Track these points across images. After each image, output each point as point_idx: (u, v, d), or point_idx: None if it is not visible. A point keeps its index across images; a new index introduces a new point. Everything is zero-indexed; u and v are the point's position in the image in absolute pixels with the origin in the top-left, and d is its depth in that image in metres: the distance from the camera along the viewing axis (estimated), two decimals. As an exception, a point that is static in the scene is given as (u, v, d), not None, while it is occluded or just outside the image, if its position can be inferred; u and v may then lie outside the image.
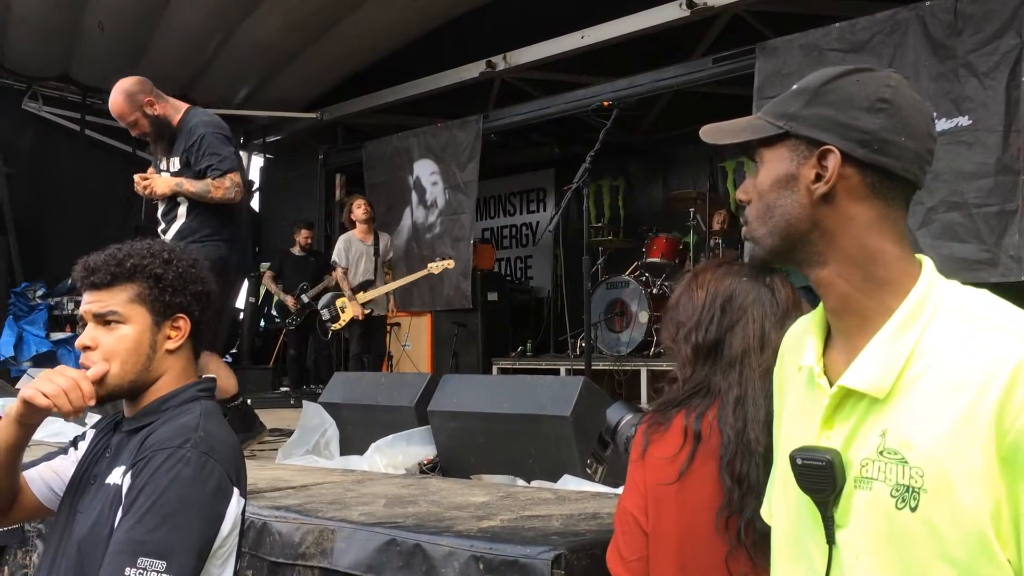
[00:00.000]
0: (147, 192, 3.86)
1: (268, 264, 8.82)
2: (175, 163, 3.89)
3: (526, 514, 2.33)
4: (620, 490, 2.73)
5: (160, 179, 3.86)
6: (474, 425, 3.30)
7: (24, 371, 6.46)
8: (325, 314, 7.04)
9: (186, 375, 1.59)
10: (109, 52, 8.72)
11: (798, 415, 1.12)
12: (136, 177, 3.93)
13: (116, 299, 1.55)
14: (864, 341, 1.03)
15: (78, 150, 9.25)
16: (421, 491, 2.80)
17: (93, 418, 4.63)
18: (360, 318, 6.73)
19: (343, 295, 6.83)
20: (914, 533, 0.95)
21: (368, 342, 6.91)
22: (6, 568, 3.40)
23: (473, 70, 7.93)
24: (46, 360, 7.70)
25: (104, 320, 1.54)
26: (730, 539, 1.43)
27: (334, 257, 6.94)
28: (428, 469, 3.41)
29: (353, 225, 7.06)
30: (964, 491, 0.92)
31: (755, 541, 1.40)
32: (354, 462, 3.56)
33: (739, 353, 1.53)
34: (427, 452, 3.45)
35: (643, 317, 7.06)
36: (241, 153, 11.04)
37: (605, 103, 5.09)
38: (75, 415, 1.46)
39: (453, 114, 8.29)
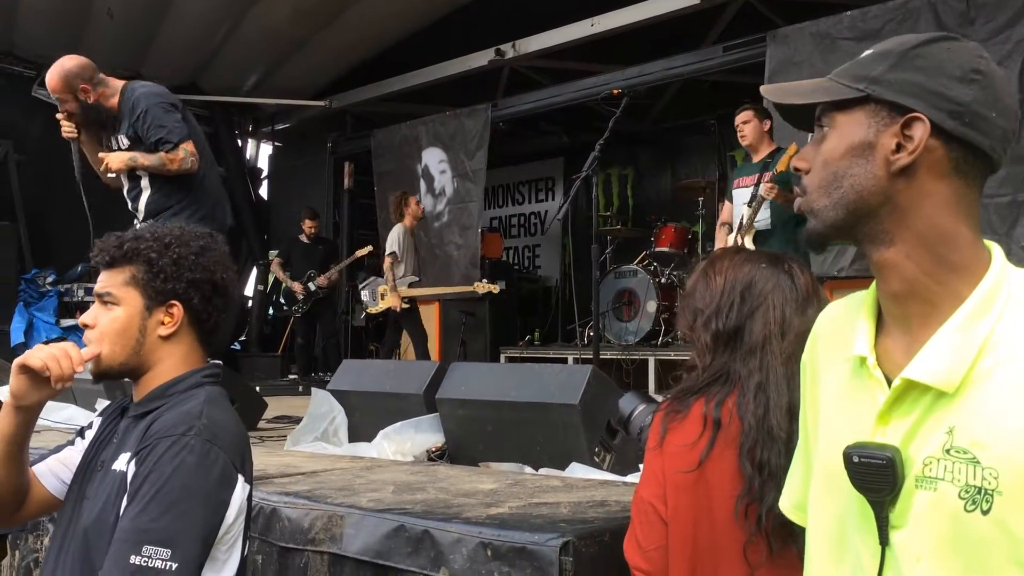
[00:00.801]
0: (103, 169, 3.86)
1: (276, 252, 8.84)
2: (123, 140, 3.86)
3: (534, 501, 2.34)
4: (628, 478, 2.74)
5: (113, 155, 3.80)
6: (482, 413, 3.31)
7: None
8: (364, 294, 7.12)
9: (189, 362, 1.58)
10: (118, 39, 8.72)
11: (843, 408, 1.04)
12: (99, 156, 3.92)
13: (114, 280, 1.57)
14: (928, 331, 0.96)
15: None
16: (429, 478, 2.80)
17: (102, 403, 4.64)
18: (397, 310, 6.78)
19: (385, 283, 6.89)
20: (986, 537, 0.89)
21: (398, 334, 6.95)
22: (17, 552, 3.43)
23: (482, 58, 7.91)
24: (56, 346, 7.75)
25: (103, 300, 1.56)
26: (749, 527, 1.42)
27: (390, 246, 6.95)
28: (436, 456, 3.42)
29: (401, 218, 7.06)
30: None
31: (774, 529, 1.40)
32: (362, 449, 3.57)
33: (760, 340, 1.51)
34: (435, 439, 3.46)
35: (651, 306, 7.06)
36: (249, 141, 11.11)
37: (615, 91, 5.07)
38: (65, 382, 1.48)
39: (462, 102, 8.28)
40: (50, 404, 5.22)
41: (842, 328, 1.08)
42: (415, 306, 6.96)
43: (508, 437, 3.23)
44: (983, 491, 0.89)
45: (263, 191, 11.21)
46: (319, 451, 3.65)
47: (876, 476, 0.94)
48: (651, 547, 1.53)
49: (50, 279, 8.34)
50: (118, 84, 3.93)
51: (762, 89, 1.10)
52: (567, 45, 7.35)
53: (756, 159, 5.07)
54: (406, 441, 3.45)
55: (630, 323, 7.18)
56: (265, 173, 11.29)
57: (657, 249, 7.48)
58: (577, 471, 2.94)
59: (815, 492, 1.09)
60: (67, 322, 7.98)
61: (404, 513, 2.16)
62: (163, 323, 1.56)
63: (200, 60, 9.40)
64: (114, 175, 3.87)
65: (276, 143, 11.22)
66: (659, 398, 1.88)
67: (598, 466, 2.97)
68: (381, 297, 6.98)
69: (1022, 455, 0.87)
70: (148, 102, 3.73)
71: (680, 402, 1.55)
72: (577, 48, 7.37)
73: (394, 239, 6.94)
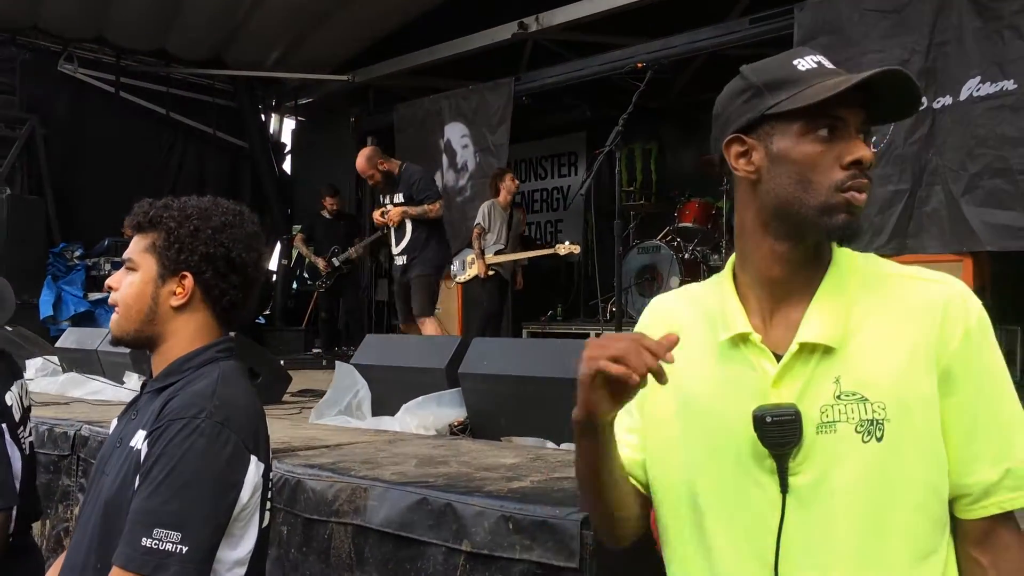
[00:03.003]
0: (388, 220, 6.05)
1: (299, 227, 8.87)
2: (399, 198, 6.04)
3: (556, 476, 2.35)
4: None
5: (394, 210, 6.00)
6: (504, 388, 3.32)
7: (63, 330, 6.59)
8: (455, 264, 7.22)
9: (203, 336, 1.58)
10: (142, 14, 8.75)
11: (721, 385, 1.16)
12: (375, 214, 6.26)
13: (137, 246, 1.58)
14: (799, 305, 1.14)
15: (113, 111, 9.34)
16: (452, 452, 2.82)
17: (130, 376, 4.67)
18: (483, 276, 6.84)
19: (473, 252, 6.97)
20: (883, 461, 1.07)
21: (496, 300, 7.01)
22: (48, 522, 3.50)
23: (505, 32, 7.85)
24: (84, 319, 7.85)
25: (126, 265, 1.59)
26: None
27: (478, 219, 7.00)
28: (459, 430, 3.44)
29: (497, 193, 7.09)
30: (919, 414, 1.07)
31: None
32: (386, 422, 3.60)
33: None
34: (457, 414, 3.48)
35: (674, 282, 7.03)
36: (272, 115, 11.15)
37: (639, 64, 5.03)
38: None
39: (485, 76, 8.23)
40: (76, 377, 5.28)
41: (704, 311, 1.22)
42: (500, 275, 7.01)
43: (530, 412, 3.25)
44: (875, 422, 1.07)
45: (286, 166, 11.25)
46: (343, 424, 3.68)
47: (785, 431, 1.08)
48: None
49: (78, 253, 8.44)
50: (396, 162, 6.26)
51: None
52: (591, 18, 7.27)
53: None
54: (428, 415, 3.48)
55: (653, 298, 7.16)
56: (288, 148, 11.32)
57: (680, 224, 7.43)
58: (599, 446, 2.95)
59: (682, 458, 1.19)
60: (95, 295, 8.08)
61: (427, 486, 2.18)
62: (175, 293, 1.56)
63: (224, 35, 9.41)
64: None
65: (299, 118, 11.23)
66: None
67: (620, 441, 2.98)
68: (470, 265, 7.07)
69: (899, 386, 1.08)
70: (421, 175, 6.18)
71: None
72: (601, 21, 7.29)
73: (483, 212, 7.02)
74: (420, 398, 3.53)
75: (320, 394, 4.34)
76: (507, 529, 1.92)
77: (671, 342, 1.05)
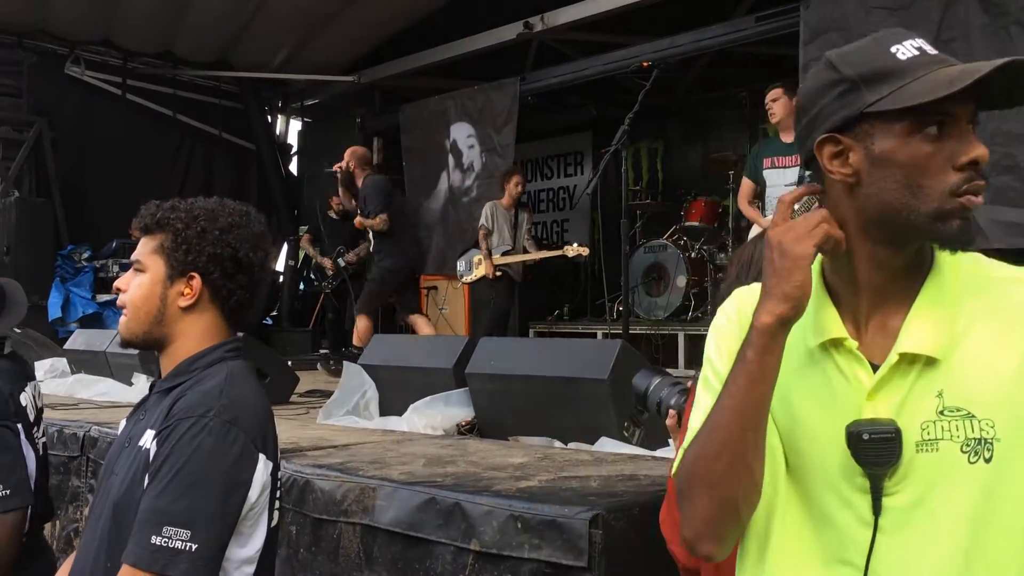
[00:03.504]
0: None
1: (305, 228, 8.88)
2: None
3: (564, 475, 2.35)
4: (658, 453, 2.74)
5: (357, 219, 6.65)
6: (512, 387, 3.32)
7: (72, 332, 6.61)
8: (461, 265, 7.26)
9: (211, 336, 1.59)
10: (149, 16, 8.77)
11: (809, 390, 1.07)
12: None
13: (145, 248, 1.59)
14: (899, 310, 1.04)
15: (120, 114, 9.37)
16: (460, 452, 2.83)
17: (139, 377, 4.68)
18: (491, 276, 6.87)
19: (480, 253, 7.00)
20: (991, 485, 0.97)
21: (505, 300, 7.04)
22: (58, 522, 3.51)
23: (510, 31, 7.85)
24: (93, 321, 7.88)
25: (134, 266, 1.60)
26: None
27: (481, 220, 7.05)
28: (466, 430, 3.45)
29: (503, 194, 7.14)
30: None
31: None
32: (393, 422, 3.61)
33: None
34: (465, 413, 3.48)
35: (681, 281, 7.02)
36: (279, 117, 11.16)
37: (644, 64, 5.02)
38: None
39: (490, 76, 8.23)
40: (85, 378, 5.30)
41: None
42: (509, 276, 7.02)
43: (537, 411, 3.25)
44: (983, 441, 0.97)
45: (293, 167, 11.27)
46: (351, 424, 3.69)
47: (883, 449, 0.99)
48: None
49: (86, 255, 8.47)
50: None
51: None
52: (596, 17, 7.27)
53: (787, 138, 4.91)
54: (436, 415, 3.48)
55: (660, 298, 7.15)
56: (295, 149, 11.34)
57: (687, 223, 7.42)
58: (606, 445, 2.95)
59: (775, 480, 1.09)
60: (103, 297, 8.11)
61: (435, 486, 2.19)
62: (183, 294, 1.57)
63: (230, 36, 9.43)
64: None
65: (306, 119, 11.25)
66: (672, 372, 1.90)
67: (627, 441, 2.98)
68: (476, 266, 7.09)
69: (1010, 401, 0.97)
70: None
71: None
72: (606, 20, 7.29)
73: (486, 214, 7.06)
74: (428, 398, 3.53)
75: (328, 394, 4.35)
76: (516, 528, 1.92)
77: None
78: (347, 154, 6.72)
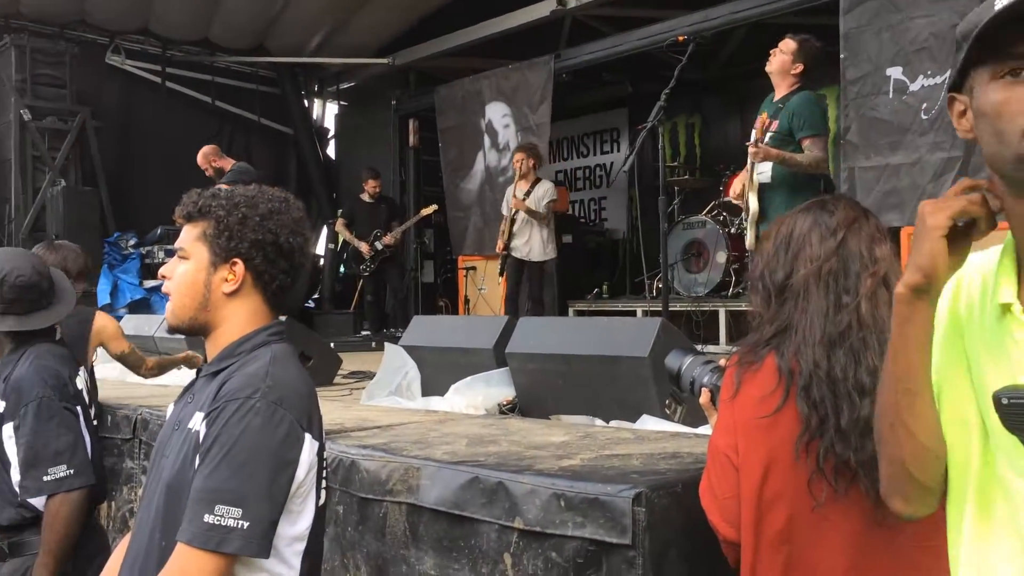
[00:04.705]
0: None
1: (340, 211, 8.95)
2: None
3: (606, 453, 2.36)
4: (700, 430, 2.74)
5: None
6: (552, 366, 3.33)
7: (120, 317, 6.75)
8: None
9: (255, 320, 1.62)
10: (186, 4, 8.87)
11: (990, 357, 1.05)
12: None
13: (188, 235, 1.63)
14: None
15: (160, 101, 9.51)
16: (501, 431, 2.85)
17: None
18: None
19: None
20: None
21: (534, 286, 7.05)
22: (113, 503, 3.61)
23: (543, 8, 7.80)
24: (141, 307, 8.04)
25: (178, 254, 1.63)
26: (810, 465, 1.45)
27: (502, 207, 7.20)
28: (507, 410, 3.47)
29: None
30: None
31: (834, 467, 1.44)
32: (435, 403, 3.64)
33: (802, 282, 1.55)
34: (506, 393, 3.50)
35: (721, 257, 6.96)
36: (315, 101, 11.23)
37: (680, 38, 4.94)
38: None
39: (524, 55, 8.19)
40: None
41: (984, 278, 1.10)
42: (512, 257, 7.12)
43: (578, 390, 3.26)
44: None
45: (330, 150, 11.35)
46: (394, 405, 3.73)
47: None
48: (725, 495, 1.56)
49: (132, 242, 8.62)
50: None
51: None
52: (631, -8, 7.21)
53: (777, 96, 4.57)
54: (477, 395, 3.51)
55: (700, 274, 7.10)
56: (332, 132, 11.42)
57: (726, 199, 7.35)
58: (648, 423, 2.95)
59: (961, 439, 1.09)
60: (150, 283, 8.26)
61: (478, 465, 2.21)
62: (227, 280, 1.60)
63: (265, 22, 9.50)
64: None
65: (341, 102, 11.31)
66: (714, 349, 1.92)
67: (669, 418, 2.98)
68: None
69: None
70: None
71: (753, 353, 1.56)
72: (640, -6, 7.23)
73: (504, 200, 7.20)
74: (469, 378, 3.56)
75: (370, 375, 4.40)
76: (559, 506, 1.94)
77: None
78: (200, 159, 6.83)
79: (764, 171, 4.40)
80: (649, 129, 4.61)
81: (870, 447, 1.29)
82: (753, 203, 4.38)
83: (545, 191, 6.95)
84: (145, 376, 3.85)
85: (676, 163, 9.13)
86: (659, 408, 2.98)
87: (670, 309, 5.34)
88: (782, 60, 4.50)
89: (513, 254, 7.01)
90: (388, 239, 8.13)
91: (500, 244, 6.97)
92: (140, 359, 3.79)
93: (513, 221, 6.99)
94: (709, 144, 9.51)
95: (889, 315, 1.11)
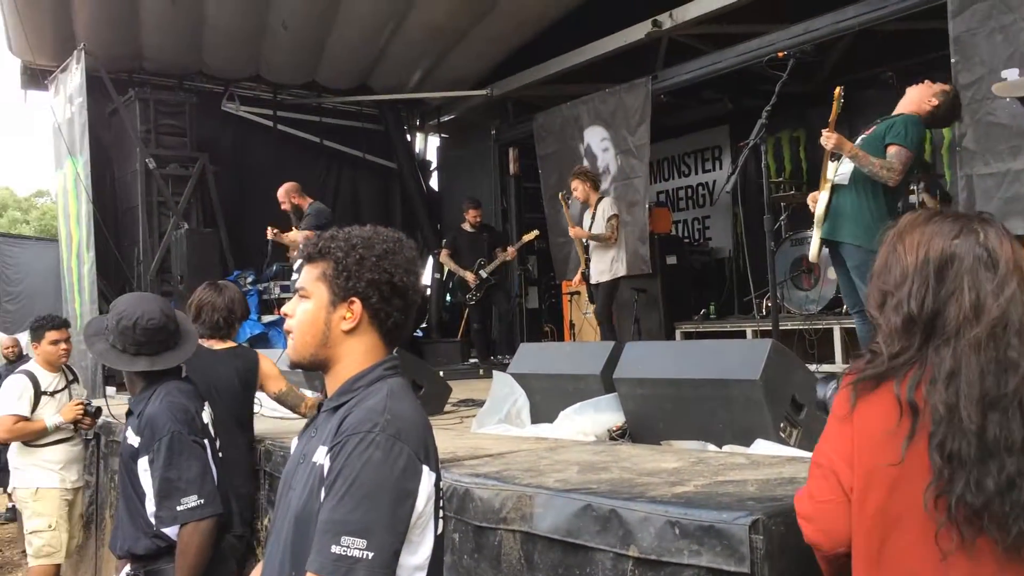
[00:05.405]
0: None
1: (444, 242, 9.12)
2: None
3: (720, 479, 2.32)
4: (817, 454, 2.66)
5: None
6: (661, 391, 3.30)
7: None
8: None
9: (371, 356, 1.67)
10: (292, 50, 9.29)
11: None
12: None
13: (309, 275, 1.70)
14: None
15: (272, 144, 9.97)
16: (612, 458, 2.84)
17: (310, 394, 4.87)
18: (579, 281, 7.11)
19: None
20: None
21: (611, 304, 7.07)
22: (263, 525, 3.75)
23: (639, 31, 7.80)
24: (259, 341, 8.37)
25: (299, 293, 1.70)
26: (939, 517, 1.36)
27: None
28: (617, 436, 3.45)
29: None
30: None
31: (965, 518, 1.34)
32: (545, 430, 3.65)
33: (954, 326, 1.39)
34: (615, 419, 3.49)
35: (833, 273, 6.74)
36: (417, 134, 11.53)
37: (780, 54, 4.85)
38: None
39: (621, 78, 8.20)
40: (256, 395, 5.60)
41: None
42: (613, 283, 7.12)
43: (689, 415, 3.21)
44: None
45: (433, 182, 11.61)
46: (504, 432, 3.77)
47: None
48: (823, 499, 1.49)
49: (250, 279, 9.00)
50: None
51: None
52: (726, 9, 7.10)
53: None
54: (587, 421, 3.50)
55: (811, 291, 6.90)
56: (434, 165, 11.68)
57: (834, 212, 7.12)
58: (762, 447, 2.88)
59: None
60: (267, 318, 8.59)
61: (590, 492, 2.21)
62: (345, 318, 1.66)
63: (368, 62, 9.85)
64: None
65: (443, 135, 11.58)
66: (829, 368, 1.83)
67: (784, 442, 2.91)
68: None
69: None
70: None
71: (874, 381, 1.47)
72: (737, 11, 7.11)
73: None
74: (578, 404, 3.56)
75: (480, 403, 4.45)
76: (674, 534, 1.92)
77: None
78: (281, 193, 7.21)
79: (844, 173, 4.33)
80: (751, 147, 4.54)
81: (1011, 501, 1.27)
82: (821, 204, 4.29)
83: (603, 211, 6.96)
84: (306, 416, 3.81)
85: (781, 179, 8.91)
86: (774, 432, 2.91)
87: (780, 328, 5.21)
88: (928, 90, 4.38)
89: (590, 281, 7.02)
90: (492, 267, 8.24)
91: (578, 276, 6.98)
92: (299, 398, 3.90)
93: (587, 248, 7.02)
94: (815, 157, 9.21)
95: None
